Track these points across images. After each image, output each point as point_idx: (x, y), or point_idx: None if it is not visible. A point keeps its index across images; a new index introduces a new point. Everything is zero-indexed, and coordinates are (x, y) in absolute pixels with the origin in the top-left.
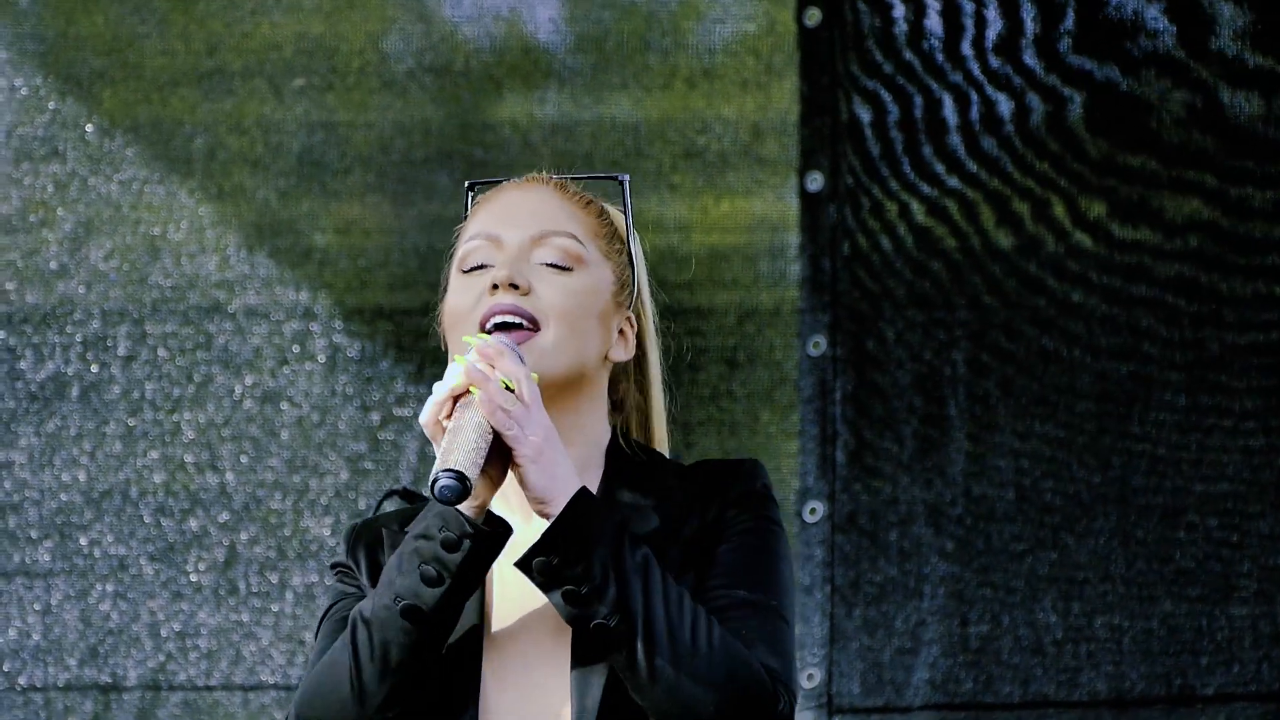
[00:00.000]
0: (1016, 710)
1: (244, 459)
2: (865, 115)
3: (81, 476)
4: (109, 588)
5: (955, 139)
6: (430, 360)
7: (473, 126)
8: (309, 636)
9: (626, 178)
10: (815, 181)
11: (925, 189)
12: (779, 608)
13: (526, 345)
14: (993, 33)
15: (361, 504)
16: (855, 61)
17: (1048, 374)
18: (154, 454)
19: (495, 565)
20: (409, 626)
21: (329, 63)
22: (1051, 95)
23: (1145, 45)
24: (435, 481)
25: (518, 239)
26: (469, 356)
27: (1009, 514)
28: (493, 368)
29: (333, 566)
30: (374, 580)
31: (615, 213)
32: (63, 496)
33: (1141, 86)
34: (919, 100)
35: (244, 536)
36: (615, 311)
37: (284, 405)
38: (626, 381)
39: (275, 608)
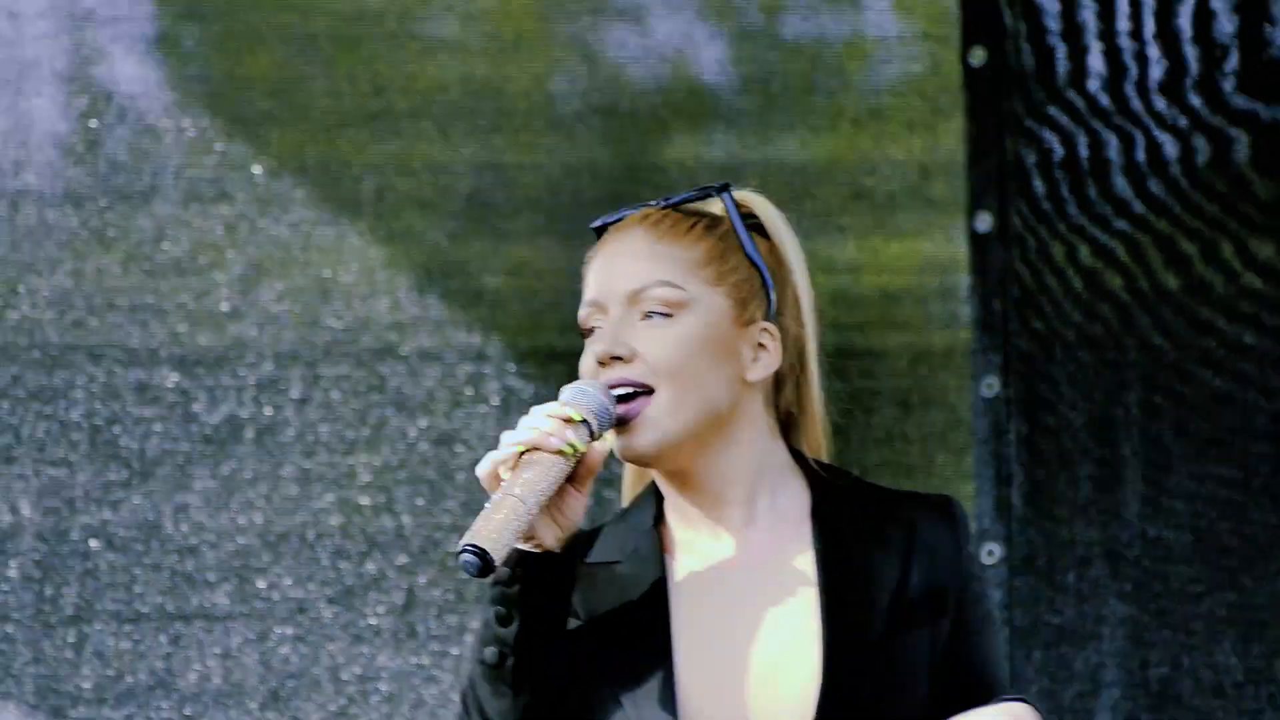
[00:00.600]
0: None
1: (420, 501)
2: (1031, 156)
3: (258, 519)
4: (288, 631)
5: (1121, 180)
6: None
7: (640, 167)
8: None
9: (723, 188)
10: (984, 222)
11: (1092, 230)
12: (1006, 682)
13: (645, 414)
14: (1156, 73)
15: None
16: (1020, 102)
17: (1221, 415)
18: (330, 497)
19: (677, 577)
20: (500, 673)
21: (496, 104)
22: (1217, 136)
23: None
24: (460, 553)
25: (616, 303)
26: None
27: (1186, 555)
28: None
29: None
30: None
31: (756, 210)
32: (240, 539)
33: None
34: (1084, 141)
35: (422, 579)
36: (742, 332)
37: (459, 448)
38: (791, 390)
39: (455, 651)
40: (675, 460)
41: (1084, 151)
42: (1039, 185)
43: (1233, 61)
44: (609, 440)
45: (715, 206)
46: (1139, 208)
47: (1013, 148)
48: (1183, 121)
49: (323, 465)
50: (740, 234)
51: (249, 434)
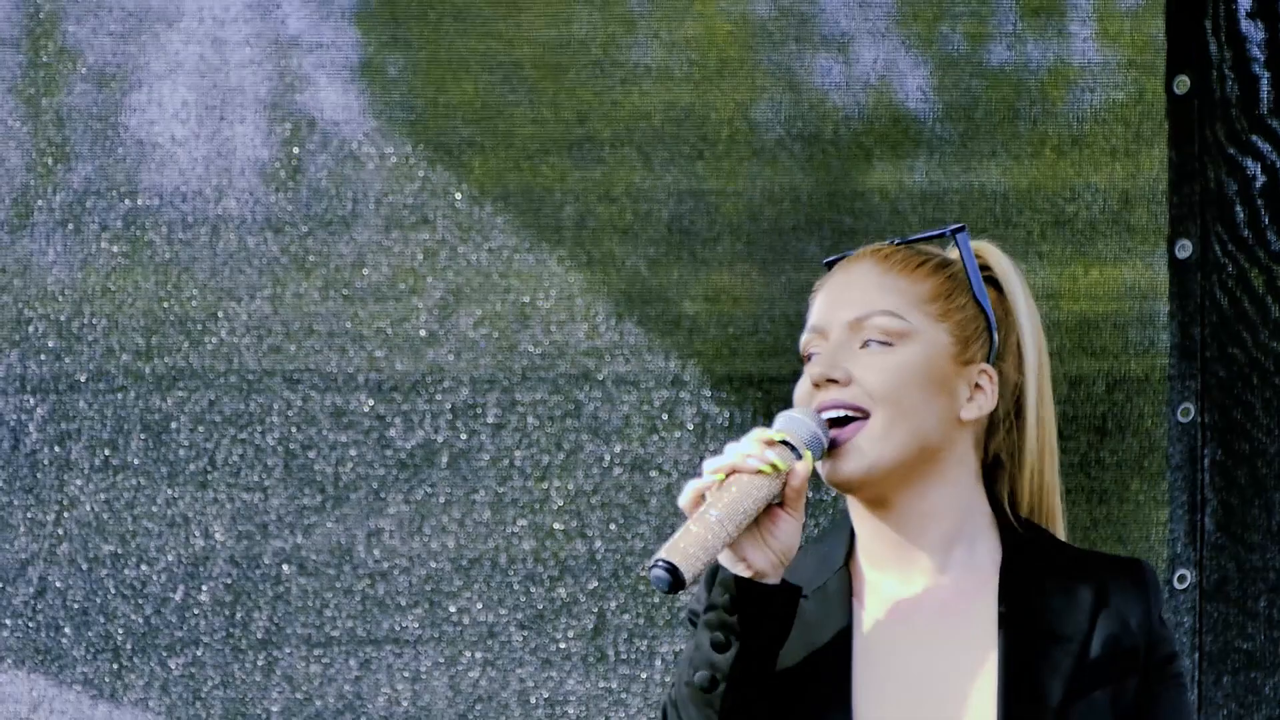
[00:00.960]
0: None
1: (613, 527)
2: (1233, 184)
3: (450, 544)
4: (478, 655)
5: None
6: None
7: (841, 194)
8: None
9: (957, 230)
10: (1184, 249)
11: None
12: None
13: (857, 439)
14: None
15: None
16: (1223, 129)
17: None
18: (523, 522)
19: (863, 626)
20: (709, 698)
21: (698, 131)
22: None
23: None
24: (650, 568)
25: (837, 328)
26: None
27: None
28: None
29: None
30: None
31: (990, 261)
32: (432, 564)
33: None
34: None
35: (613, 604)
36: (960, 370)
37: (653, 473)
38: (1003, 438)
39: (644, 675)
40: (879, 490)
41: None
42: (1240, 212)
43: None
44: (809, 462)
45: (952, 252)
46: None
47: (1214, 175)
48: None
49: (516, 490)
50: (971, 274)
51: (443, 459)
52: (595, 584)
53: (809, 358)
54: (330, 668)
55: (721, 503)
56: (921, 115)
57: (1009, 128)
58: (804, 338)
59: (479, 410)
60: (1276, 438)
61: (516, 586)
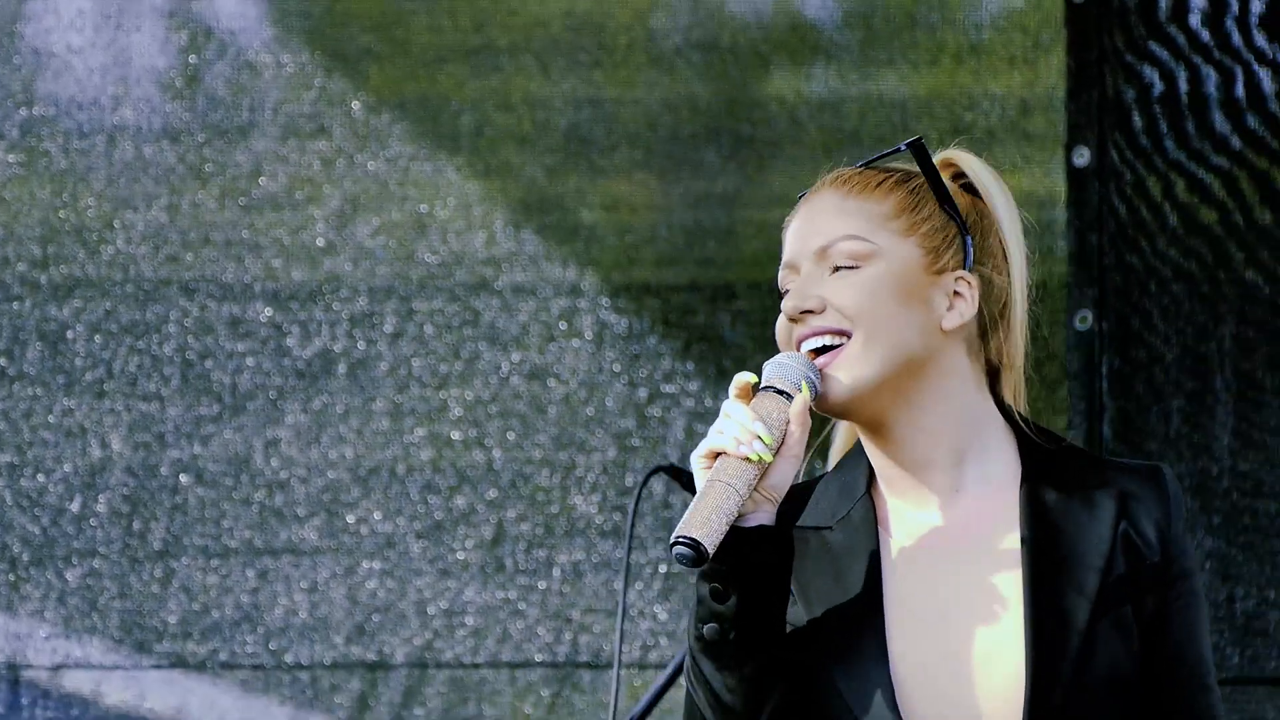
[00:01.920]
0: None
1: (511, 436)
2: (1131, 92)
3: (348, 454)
4: (376, 565)
5: (1219, 116)
6: (697, 337)
7: (740, 103)
8: (576, 614)
9: (912, 143)
10: (1082, 157)
11: (1189, 166)
12: (1213, 682)
13: (837, 362)
14: (1257, 8)
15: (628, 481)
16: (1121, 37)
17: None
18: (421, 431)
19: (890, 552)
20: (723, 649)
21: (596, 39)
22: None
23: None
24: (672, 546)
25: (805, 261)
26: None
27: (1275, 490)
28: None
29: None
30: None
31: (963, 166)
32: (330, 474)
33: None
34: (1183, 76)
35: (511, 514)
36: (934, 281)
37: (551, 382)
38: (997, 343)
39: (542, 585)
40: (872, 411)
41: (1183, 87)
42: (1138, 121)
43: None
44: (806, 396)
45: (916, 165)
46: (1236, 143)
47: (1112, 83)
48: None
49: (414, 399)
50: (933, 184)
51: (341, 369)
52: (494, 493)
53: (782, 293)
54: (228, 578)
55: (724, 472)
56: (820, 23)
57: (908, 36)
58: (779, 275)
59: (377, 319)
60: (1174, 345)
61: (414, 496)
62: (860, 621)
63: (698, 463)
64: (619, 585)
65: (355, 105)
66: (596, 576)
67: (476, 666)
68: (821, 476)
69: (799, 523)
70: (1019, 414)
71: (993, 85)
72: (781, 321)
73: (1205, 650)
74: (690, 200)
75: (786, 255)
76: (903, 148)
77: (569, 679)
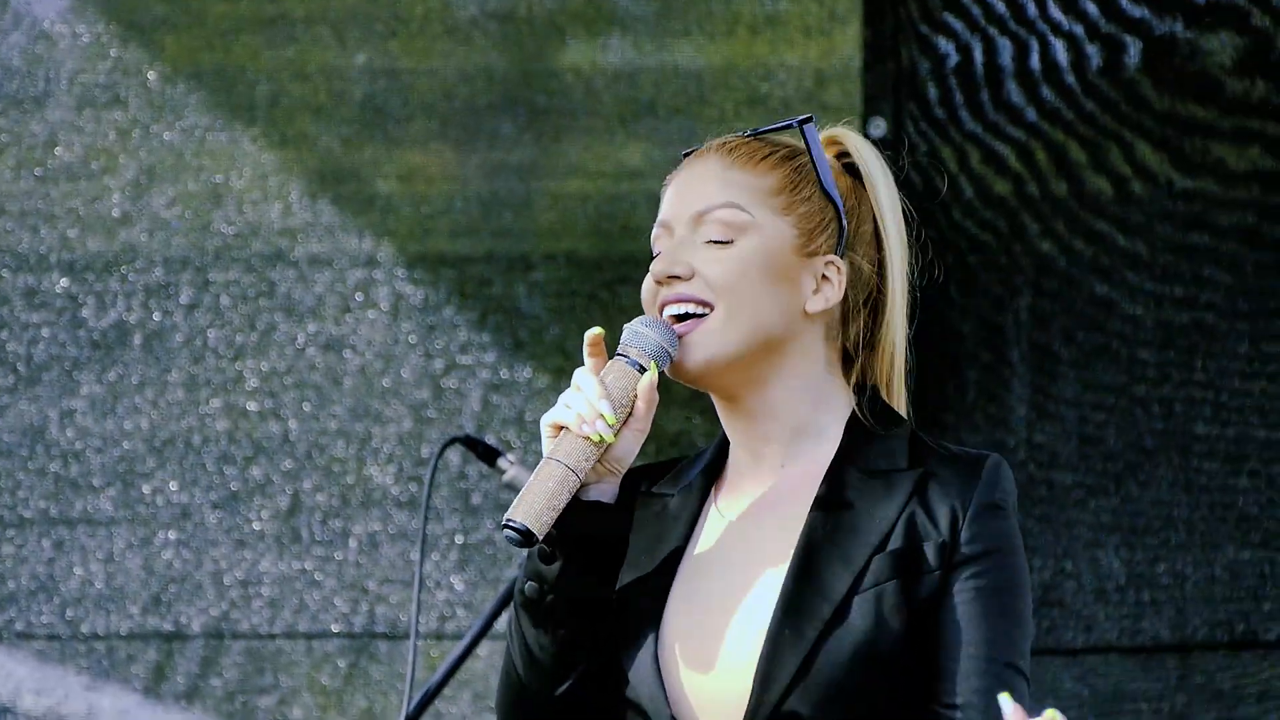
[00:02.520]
0: (1080, 655)
1: (307, 407)
2: (926, 63)
3: (144, 424)
4: (172, 535)
5: (1014, 87)
6: (494, 308)
7: (536, 73)
8: (372, 584)
9: (804, 121)
10: (878, 128)
11: (984, 137)
12: (1013, 665)
13: (696, 332)
14: None
15: (424, 451)
16: (916, 9)
17: (1109, 322)
18: (216, 402)
19: (707, 520)
20: (538, 608)
21: (392, 9)
22: (1110, 43)
23: None
24: (503, 527)
25: (681, 224)
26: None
27: (1071, 461)
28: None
29: None
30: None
31: (849, 147)
32: (125, 444)
33: (1202, 35)
34: (979, 47)
35: (307, 485)
36: (804, 263)
37: (347, 353)
38: (858, 330)
39: (338, 555)
40: (725, 384)
41: (978, 59)
42: (933, 92)
43: None
44: (654, 373)
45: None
46: (1031, 115)
47: (908, 54)
48: (1077, 29)
49: (210, 370)
50: (818, 165)
51: (137, 339)
52: (289, 464)
53: (655, 256)
54: (23, 548)
55: (564, 450)
56: None
57: (703, 6)
58: (653, 232)
59: (172, 290)
60: (970, 316)
61: (211, 467)
62: (653, 586)
63: (544, 429)
64: (415, 556)
65: (151, 75)
66: (393, 547)
67: (273, 637)
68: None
69: (654, 488)
70: (864, 399)
71: (789, 56)
72: (648, 282)
73: (994, 632)
74: (486, 171)
75: (663, 214)
76: (795, 124)
77: (366, 650)
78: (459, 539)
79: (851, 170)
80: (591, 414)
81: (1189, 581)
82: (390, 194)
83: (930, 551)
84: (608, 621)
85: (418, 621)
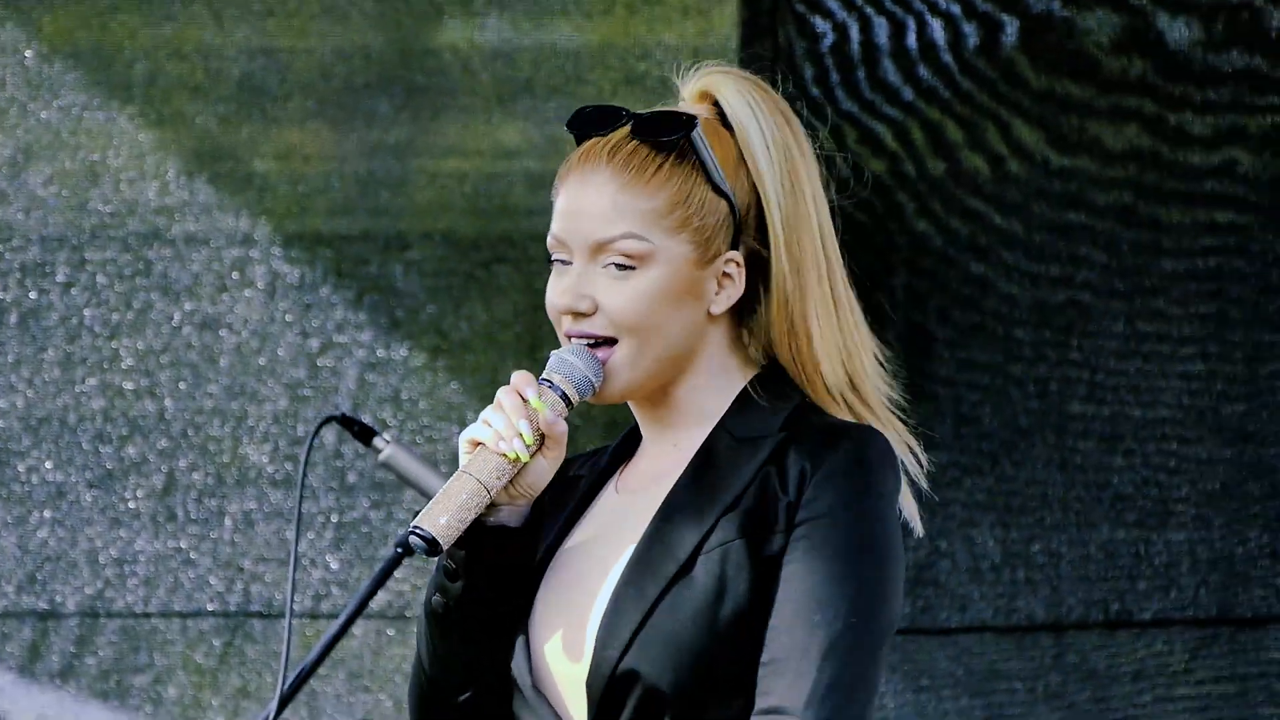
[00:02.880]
0: (954, 634)
1: (183, 385)
2: (803, 42)
3: (19, 403)
4: (47, 514)
5: (890, 66)
6: (370, 287)
7: (413, 52)
8: (248, 563)
9: (683, 132)
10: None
11: (861, 116)
12: (856, 631)
13: (612, 360)
14: None
15: (300, 430)
16: None
17: (985, 301)
18: (92, 381)
19: (598, 500)
20: (443, 623)
21: None
22: (987, 22)
23: None
24: (410, 533)
25: (579, 251)
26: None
27: (946, 440)
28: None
29: None
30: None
31: (722, 99)
32: (0, 423)
33: (1079, 13)
34: (855, 26)
35: (182, 463)
36: (704, 272)
37: (223, 332)
38: (757, 308)
39: (213, 534)
40: (637, 397)
41: (855, 37)
42: (810, 71)
43: None
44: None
45: (697, 109)
46: (908, 94)
47: (784, 33)
48: (954, 8)
49: (86, 349)
50: (708, 169)
51: (12, 318)
52: (165, 443)
53: (557, 262)
54: None
55: (477, 465)
56: None
57: None
58: (550, 239)
59: (48, 269)
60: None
61: (86, 446)
62: (540, 564)
63: (462, 444)
64: (291, 535)
65: (28, 54)
66: (268, 526)
67: (148, 616)
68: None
69: (574, 470)
70: (757, 375)
71: (666, 35)
72: (554, 290)
73: (829, 591)
74: (363, 150)
75: (559, 229)
76: (679, 137)
77: (241, 628)
78: (334, 518)
79: (726, 125)
80: (510, 431)
81: (1064, 561)
82: (267, 173)
83: (779, 510)
84: (511, 635)
85: (293, 600)
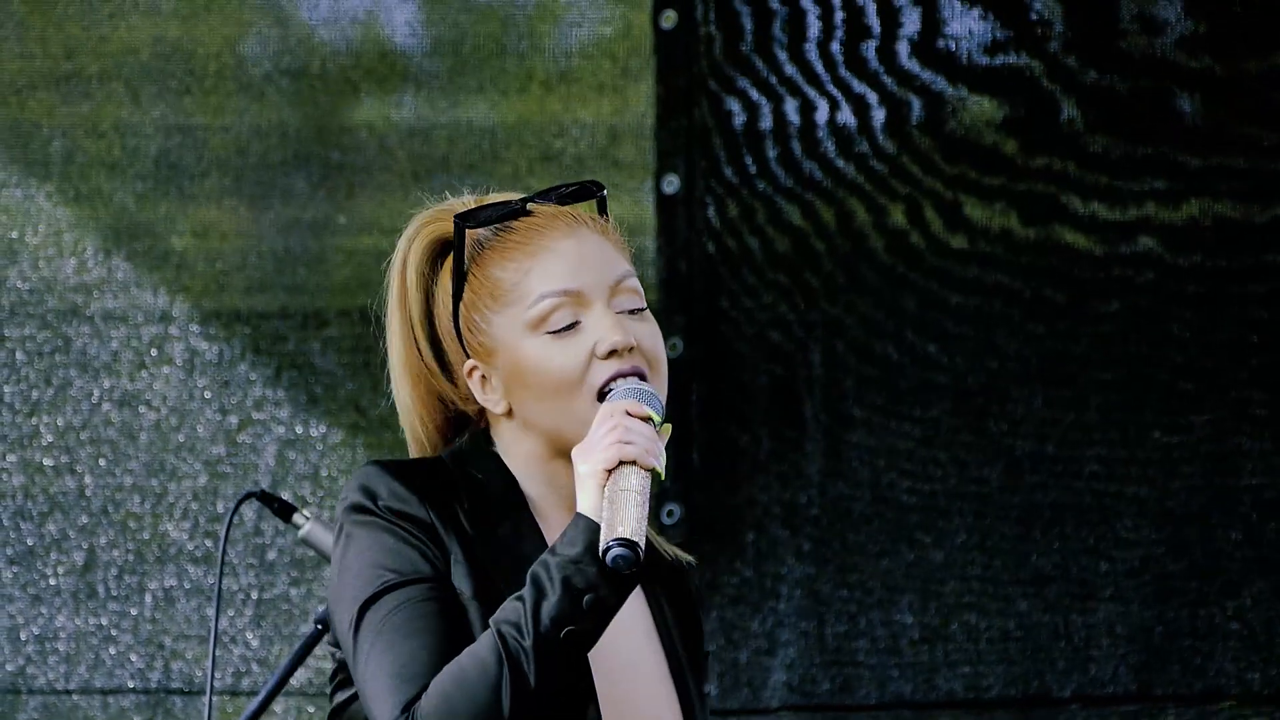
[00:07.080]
0: (873, 711)
1: (102, 462)
2: (718, 119)
3: None
4: None
5: (799, 145)
6: (288, 364)
7: (329, 129)
8: (168, 640)
9: (598, 205)
10: (671, 184)
11: (770, 194)
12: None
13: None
14: (839, 39)
15: (219, 507)
16: (707, 66)
17: (904, 374)
18: (12, 457)
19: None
20: (576, 652)
21: (186, 66)
22: (893, 101)
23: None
24: (607, 551)
25: (599, 295)
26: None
27: (865, 515)
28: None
29: (397, 517)
30: (464, 546)
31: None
32: None
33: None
34: (767, 105)
35: (103, 540)
36: None
37: (142, 409)
38: None
39: (134, 611)
40: None
41: (766, 116)
42: (724, 149)
43: (909, 29)
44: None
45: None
46: (817, 173)
47: (699, 112)
48: (863, 88)
49: (5, 425)
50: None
51: None
52: (85, 520)
53: (565, 330)
54: None
55: (629, 483)
56: (409, 49)
57: (496, 63)
58: (545, 304)
59: None
60: (762, 372)
61: (6, 522)
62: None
63: (598, 476)
64: (211, 612)
65: None
66: (189, 603)
67: (69, 693)
68: (428, 462)
69: (461, 515)
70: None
71: (582, 113)
72: (567, 354)
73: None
74: (280, 227)
75: (568, 282)
76: (595, 191)
77: (162, 705)
78: (255, 594)
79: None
80: (657, 447)
81: (983, 637)
82: (184, 250)
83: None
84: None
85: (213, 677)
